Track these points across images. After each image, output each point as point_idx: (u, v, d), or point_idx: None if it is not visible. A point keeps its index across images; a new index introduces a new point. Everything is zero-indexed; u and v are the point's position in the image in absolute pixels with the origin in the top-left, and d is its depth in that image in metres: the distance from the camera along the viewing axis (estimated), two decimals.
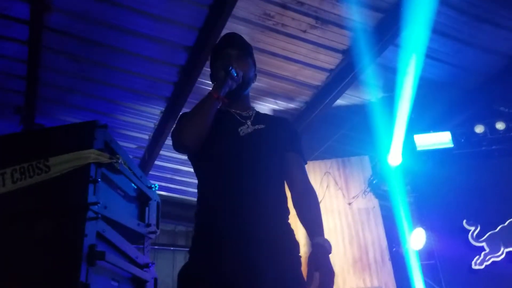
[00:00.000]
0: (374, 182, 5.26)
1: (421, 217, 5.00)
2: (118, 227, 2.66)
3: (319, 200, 5.10)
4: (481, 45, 4.38)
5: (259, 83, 4.83)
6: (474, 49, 4.42)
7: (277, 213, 1.78)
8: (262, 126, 1.90)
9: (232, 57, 1.91)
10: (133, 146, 6.07)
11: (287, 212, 1.83)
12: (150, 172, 6.37)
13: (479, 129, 4.87)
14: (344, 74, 4.58)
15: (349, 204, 5.24)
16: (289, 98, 5.12)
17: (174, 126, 1.75)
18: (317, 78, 4.80)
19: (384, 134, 4.91)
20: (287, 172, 1.88)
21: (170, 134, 1.98)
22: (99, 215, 2.35)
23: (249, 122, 1.90)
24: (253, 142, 1.83)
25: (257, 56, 4.46)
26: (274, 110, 5.33)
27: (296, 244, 1.78)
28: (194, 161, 1.92)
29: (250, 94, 2.07)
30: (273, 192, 1.79)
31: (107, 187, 2.61)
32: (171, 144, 1.88)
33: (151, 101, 5.16)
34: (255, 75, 2.07)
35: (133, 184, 2.99)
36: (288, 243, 1.76)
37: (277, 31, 4.20)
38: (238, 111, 1.94)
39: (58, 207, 2.36)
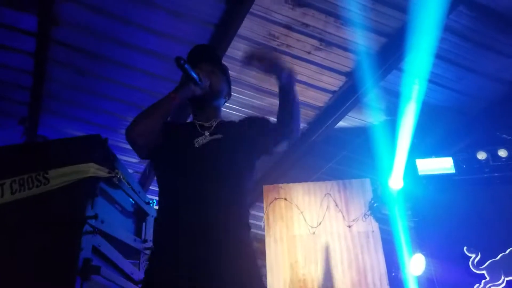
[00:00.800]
0: (374, 205, 5.22)
1: (421, 243, 4.94)
2: (115, 242, 2.65)
3: (319, 221, 5.11)
4: (484, 71, 4.39)
5: (262, 102, 4.86)
6: (477, 76, 4.43)
7: (231, 227, 1.71)
8: (219, 136, 1.86)
9: (202, 69, 1.87)
10: (135, 160, 6.07)
11: (244, 224, 1.78)
12: (150, 187, 6.36)
13: (481, 155, 4.85)
14: (347, 96, 4.60)
15: (349, 227, 5.20)
16: None
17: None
18: (320, 99, 4.81)
19: (385, 158, 4.89)
20: (269, 136, 1.90)
21: None
22: (96, 229, 2.35)
23: (207, 133, 1.86)
24: (206, 154, 1.79)
25: (260, 76, 4.50)
26: None
27: (254, 257, 1.75)
28: (154, 169, 1.91)
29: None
30: (227, 205, 1.73)
31: (105, 202, 2.61)
32: None
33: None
34: (229, 93, 2.06)
35: (131, 199, 2.99)
36: (245, 254, 1.71)
37: (282, 52, 4.23)
38: (201, 122, 1.90)
39: (55, 220, 2.36)
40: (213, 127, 1.89)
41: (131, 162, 6.09)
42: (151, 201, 3.26)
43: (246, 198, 1.84)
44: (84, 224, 2.28)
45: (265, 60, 1.84)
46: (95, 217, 2.33)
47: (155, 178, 1.93)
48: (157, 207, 1.84)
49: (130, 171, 6.21)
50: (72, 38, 4.15)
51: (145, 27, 3.99)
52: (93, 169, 2.42)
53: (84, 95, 4.87)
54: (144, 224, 3.17)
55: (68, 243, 2.25)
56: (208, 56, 2.00)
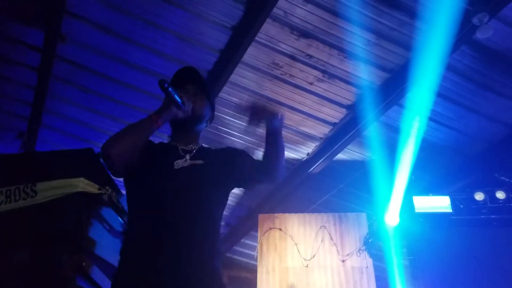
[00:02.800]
0: (370, 241, 5.16)
1: (415, 282, 4.86)
2: (100, 262, 2.58)
3: (313, 254, 5.04)
4: (484, 112, 4.41)
5: (263, 129, 4.84)
6: (477, 116, 4.45)
7: (201, 252, 1.68)
8: (201, 161, 1.84)
9: (186, 90, 1.86)
10: None
11: (214, 252, 1.74)
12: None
13: (479, 196, 4.82)
14: (347, 129, 4.61)
15: (343, 261, 5.12)
16: (291, 147, 5.12)
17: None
18: (320, 130, 4.82)
19: (383, 193, 4.86)
20: (247, 172, 1.87)
21: None
22: (81, 247, 2.29)
23: (188, 156, 1.84)
24: (186, 177, 1.77)
25: (263, 103, 4.52)
26: None
27: (222, 285, 1.71)
28: (127, 187, 1.84)
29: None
30: (199, 230, 1.70)
31: (92, 219, 2.56)
32: None
33: (153, 138, 5.16)
34: (212, 118, 2.04)
35: (119, 218, 2.93)
36: (211, 282, 1.68)
37: (284, 81, 4.26)
38: (182, 146, 1.88)
39: (40, 235, 2.29)
40: (194, 151, 1.87)
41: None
42: None
43: (220, 226, 1.84)
44: (69, 241, 2.22)
45: (256, 109, 1.89)
46: (81, 234, 2.27)
47: (126, 193, 1.87)
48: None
49: (122, 192, 6.19)
50: (77, 56, 4.19)
51: (151, 48, 4.03)
52: (82, 184, 2.38)
53: (85, 113, 4.87)
54: None
55: (51, 260, 2.19)
56: (193, 78, 1.97)
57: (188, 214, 1.69)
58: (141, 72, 4.29)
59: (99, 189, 2.46)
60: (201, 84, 1.97)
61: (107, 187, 2.57)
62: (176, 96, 1.72)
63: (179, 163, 1.79)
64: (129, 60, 4.18)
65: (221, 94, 4.32)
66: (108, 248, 2.76)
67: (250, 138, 4.92)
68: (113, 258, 2.79)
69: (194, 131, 1.96)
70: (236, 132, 4.86)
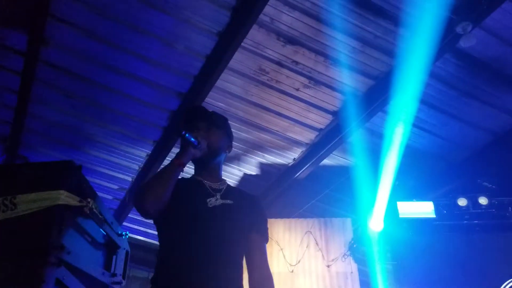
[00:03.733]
0: (354, 246, 5.19)
1: (399, 286, 4.89)
2: (81, 275, 2.53)
3: (299, 259, 5.04)
4: (468, 119, 4.48)
5: (249, 135, 4.86)
6: (461, 123, 4.52)
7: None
8: (231, 201, 1.94)
9: (199, 128, 1.96)
10: (115, 187, 5.97)
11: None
12: (129, 215, 6.24)
13: (462, 202, 4.87)
14: (333, 135, 4.63)
15: (328, 266, 5.14)
16: (277, 153, 5.13)
17: (136, 191, 1.80)
18: (307, 136, 4.84)
19: (367, 198, 4.90)
20: (248, 253, 1.94)
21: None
22: (61, 261, 2.24)
23: (218, 195, 1.95)
24: (220, 216, 1.88)
25: (249, 109, 4.55)
26: (262, 164, 5.32)
27: None
28: (159, 225, 1.93)
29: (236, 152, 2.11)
30: (232, 266, 1.83)
31: (73, 232, 2.51)
32: None
33: (139, 143, 5.14)
34: (229, 146, 2.12)
35: (102, 230, 2.89)
36: None
37: (271, 87, 4.27)
38: (209, 182, 1.98)
39: (19, 248, 2.24)
40: (223, 191, 1.98)
41: (112, 188, 5.99)
42: (123, 233, 3.17)
43: (242, 262, 1.93)
44: (49, 255, 2.18)
45: None
46: (61, 247, 2.23)
47: (157, 230, 1.96)
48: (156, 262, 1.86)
49: (109, 197, 6.13)
50: (61, 60, 4.13)
51: (137, 54, 4.00)
52: (63, 197, 2.34)
53: (69, 118, 4.80)
54: (114, 256, 3.07)
55: (30, 274, 2.14)
56: (202, 115, 2.07)
57: (221, 251, 1.81)
58: (125, 77, 4.25)
59: (80, 201, 2.42)
60: (211, 119, 2.05)
61: (89, 199, 2.52)
62: (191, 139, 1.85)
63: (211, 201, 1.91)
64: (114, 65, 4.14)
65: (207, 99, 4.30)
66: (89, 260, 2.72)
67: (238, 144, 4.92)
68: (94, 270, 2.75)
69: (215, 163, 2.06)
70: None
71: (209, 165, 2.03)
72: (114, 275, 2.98)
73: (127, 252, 3.26)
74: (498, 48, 3.70)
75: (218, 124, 2.07)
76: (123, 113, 4.70)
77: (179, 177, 1.91)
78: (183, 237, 1.81)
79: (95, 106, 4.64)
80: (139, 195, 1.81)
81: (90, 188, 2.68)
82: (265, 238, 2.01)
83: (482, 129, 4.59)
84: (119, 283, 3.05)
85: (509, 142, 4.63)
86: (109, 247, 3.05)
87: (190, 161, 1.95)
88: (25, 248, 2.24)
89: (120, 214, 6.21)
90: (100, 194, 5.70)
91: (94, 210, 2.59)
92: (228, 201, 1.94)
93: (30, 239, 2.28)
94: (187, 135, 1.84)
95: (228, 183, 2.09)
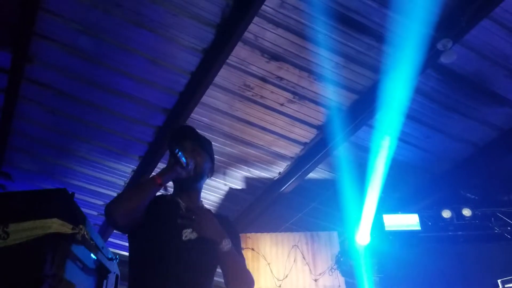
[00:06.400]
0: (341, 259, 5.20)
1: None
2: None
3: (286, 274, 5.03)
4: (450, 132, 4.55)
5: (234, 150, 4.87)
6: (443, 136, 4.58)
7: None
8: None
9: (185, 148, 1.91)
10: (100, 202, 5.92)
11: None
12: (114, 231, 6.17)
13: (446, 214, 4.93)
14: (318, 149, 4.66)
15: (315, 280, 5.14)
16: (262, 167, 5.15)
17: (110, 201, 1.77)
18: (292, 150, 4.86)
19: (353, 211, 4.93)
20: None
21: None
22: None
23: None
24: (195, 249, 1.82)
25: (234, 124, 4.56)
26: (247, 178, 5.33)
27: None
28: (131, 242, 1.90)
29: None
30: None
31: (65, 259, 2.48)
32: None
33: (124, 159, 5.11)
34: (212, 170, 2.09)
35: (93, 256, 2.86)
36: None
37: (256, 102, 4.30)
38: (185, 203, 1.92)
39: (12, 278, 2.21)
40: None
41: (97, 204, 5.94)
42: (114, 257, 3.14)
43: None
44: (41, 285, 2.15)
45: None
46: (54, 276, 2.21)
47: (129, 248, 1.92)
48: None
49: (94, 213, 6.08)
50: (46, 77, 4.12)
51: (121, 70, 4.00)
52: (56, 225, 2.31)
53: (53, 135, 4.78)
54: (105, 281, 3.04)
55: None
56: (191, 135, 2.04)
57: (197, 281, 1.80)
58: (110, 94, 4.25)
59: (72, 228, 2.40)
60: (199, 140, 2.03)
61: (81, 226, 2.50)
62: (183, 158, 1.81)
63: (187, 234, 1.84)
64: (99, 81, 4.14)
65: (192, 115, 4.31)
66: (81, 286, 2.68)
67: (219, 157, 4.92)
68: None
69: (196, 187, 2.02)
70: None
71: (190, 187, 1.98)
72: None
73: (117, 276, 3.24)
74: (477, 63, 3.79)
75: (204, 146, 2.05)
76: (108, 129, 4.68)
77: (159, 193, 1.86)
78: (155, 267, 1.77)
79: (80, 122, 4.62)
80: (111, 205, 1.75)
81: (81, 214, 2.65)
82: (241, 256, 1.98)
83: (464, 141, 4.66)
84: None
85: (490, 154, 4.71)
86: (100, 272, 3.02)
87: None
88: (18, 278, 2.21)
89: (105, 230, 6.15)
90: (85, 210, 5.66)
91: (86, 236, 2.57)
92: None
93: (23, 269, 2.24)
94: (179, 153, 1.80)
95: (206, 206, 2.06)
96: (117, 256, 3.17)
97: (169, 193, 2.03)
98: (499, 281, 4.49)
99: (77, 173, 5.35)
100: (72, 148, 5.00)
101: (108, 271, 3.07)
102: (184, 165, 1.82)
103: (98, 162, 5.19)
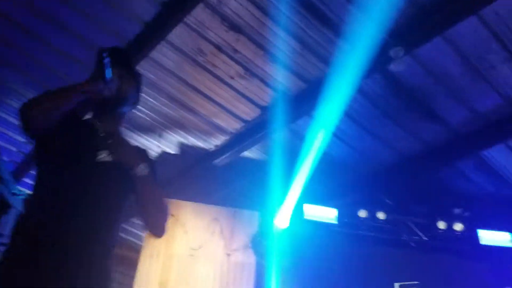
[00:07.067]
0: (257, 239, 5.31)
1: (291, 283, 5.09)
2: None
3: (201, 245, 5.06)
4: (382, 137, 4.76)
5: (174, 113, 4.79)
6: (375, 140, 4.78)
7: (102, 250, 1.76)
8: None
9: (115, 70, 1.83)
10: (22, 139, 5.60)
11: (111, 250, 1.82)
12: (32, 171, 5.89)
13: (362, 213, 5.17)
14: (258, 129, 4.71)
15: (228, 255, 5.21)
16: (200, 136, 5.11)
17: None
18: (232, 125, 4.87)
19: (278, 196, 5.03)
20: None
21: None
22: None
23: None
24: (107, 172, 1.80)
25: (179, 86, 4.49)
26: (182, 144, 5.28)
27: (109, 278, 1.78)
28: (39, 159, 1.84)
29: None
30: (107, 227, 1.78)
31: None
32: None
33: None
34: (135, 103, 2.05)
35: None
36: (103, 273, 1.76)
37: (206, 69, 4.24)
38: (103, 127, 1.89)
39: None
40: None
41: (17, 140, 5.61)
42: (19, 192, 3.00)
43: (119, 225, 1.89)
44: None
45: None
46: None
47: (36, 157, 1.85)
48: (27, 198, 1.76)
49: (13, 149, 5.74)
50: None
51: (76, 8, 3.78)
52: None
53: None
54: (5, 216, 2.89)
55: None
56: (123, 60, 1.96)
57: (101, 207, 1.75)
58: (57, 28, 4.01)
59: None
60: (130, 66, 1.96)
61: None
62: (108, 70, 1.69)
63: (102, 156, 1.80)
64: (48, 14, 3.89)
65: (137, 68, 4.17)
66: None
67: (157, 117, 4.83)
68: None
69: (117, 112, 1.95)
70: (145, 109, 4.72)
71: (111, 111, 1.93)
72: (1, 235, 2.80)
73: (20, 214, 3.08)
74: (422, 78, 3.97)
75: (134, 74, 1.99)
76: (47, 65, 4.43)
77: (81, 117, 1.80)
78: (63, 184, 1.71)
79: (17, 51, 4.33)
80: (28, 102, 1.68)
81: None
82: (158, 185, 1.97)
83: (392, 149, 4.90)
84: (4, 244, 2.87)
85: (412, 165, 4.99)
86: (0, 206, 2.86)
87: None
88: None
89: (23, 169, 5.84)
90: (4, 144, 5.36)
91: None
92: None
93: None
94: (106, 60, 1.68)
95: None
96: (24, 191, 3.02)
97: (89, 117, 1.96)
98: (396, 284, 4.82)
99: (4, 104, 5.02)
100: (2, 77, 4.69)
101: (10, 206, 2.92)
102: (108, 79, 1.72)
103: (27, 97, 4.90)
